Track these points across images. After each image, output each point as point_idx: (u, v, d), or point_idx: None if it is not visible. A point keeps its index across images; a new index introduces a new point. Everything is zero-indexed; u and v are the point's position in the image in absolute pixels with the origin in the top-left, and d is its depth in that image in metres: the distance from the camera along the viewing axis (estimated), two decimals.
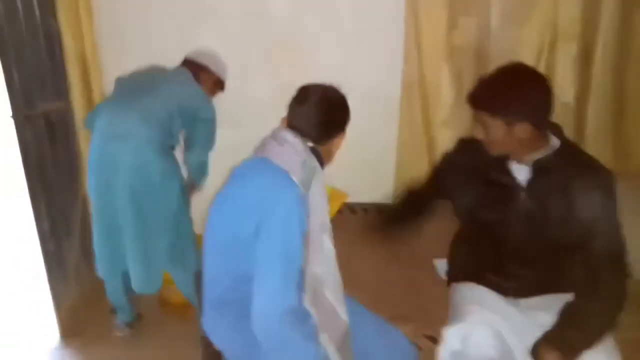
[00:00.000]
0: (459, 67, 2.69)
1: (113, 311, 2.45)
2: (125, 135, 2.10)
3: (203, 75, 2.38)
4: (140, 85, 2.23)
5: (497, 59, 2.66)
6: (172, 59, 2.70)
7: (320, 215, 1.42)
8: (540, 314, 1.53)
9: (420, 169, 2.83)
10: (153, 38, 2.71)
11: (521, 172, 1.46)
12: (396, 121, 2.79)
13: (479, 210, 1.52)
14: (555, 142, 1.44)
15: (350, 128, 2.75)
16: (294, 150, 1.40)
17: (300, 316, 1.33)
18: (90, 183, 2.18)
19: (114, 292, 2.38)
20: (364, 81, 2.69)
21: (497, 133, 1.38)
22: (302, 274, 1.35)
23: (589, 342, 1.39)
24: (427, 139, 2.81)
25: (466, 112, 2.75)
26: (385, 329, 1.59)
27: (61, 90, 2.52)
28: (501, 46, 2.65)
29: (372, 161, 2.86)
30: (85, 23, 2.57)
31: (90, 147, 2.18)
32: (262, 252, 1.32)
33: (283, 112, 2.89)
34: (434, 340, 1.85)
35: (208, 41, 2.68)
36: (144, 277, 2.24)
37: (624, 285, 1.41)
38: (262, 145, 1.47)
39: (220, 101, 2.76)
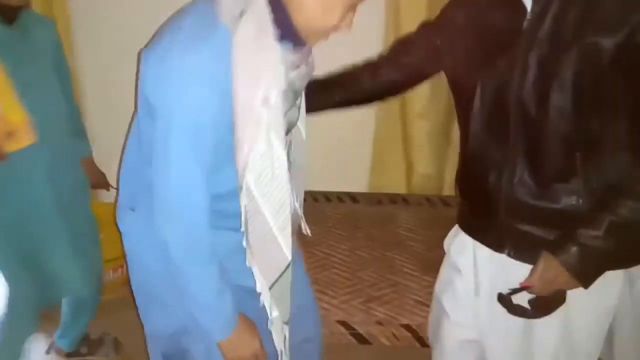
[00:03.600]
0: None
1: None
2: None
3: None
4: None
5: None
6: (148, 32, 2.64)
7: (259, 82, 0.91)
8: None
9: (395, 160, 2.87)
10: (127, 16, 2.66)
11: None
12: (374, 112, 2.80)
13: (476, 62, 1.12)
14: None
15: (328, 117, 2.79)
16: None
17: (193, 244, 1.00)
18: None
19: None
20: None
21: None
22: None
23: (612, 260, 1.05)
24: (402, 130, 2.83)
25: (442, 104, 2.83)
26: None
27: None
28: None
29: (348, 151, 2.87)
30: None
31: None
32: (155, 150, 0.96)
33: None
34: (411, 329, 1.88)
35: None
36: None
37: None
38: None
39: None
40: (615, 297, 1.15)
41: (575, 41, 0.98)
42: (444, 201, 2.76)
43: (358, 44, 2.59)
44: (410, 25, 2.53)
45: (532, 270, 1.08)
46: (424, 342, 1.79)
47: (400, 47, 1.35)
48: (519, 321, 1.13)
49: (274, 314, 1.10)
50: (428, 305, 1.50)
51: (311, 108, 1.24)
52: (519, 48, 1.04)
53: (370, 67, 1.36)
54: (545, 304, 1.08)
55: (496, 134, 1.11)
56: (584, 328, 1.16)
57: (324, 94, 1.34)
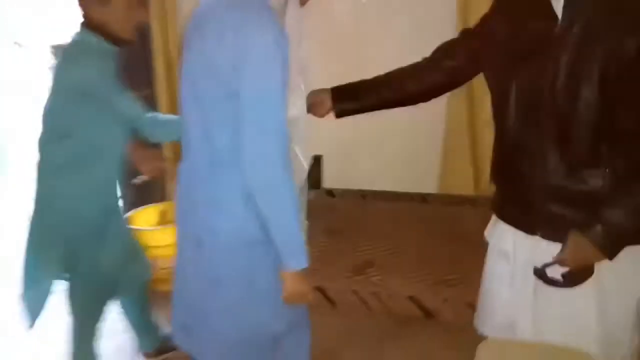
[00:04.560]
0: None
1: None
2: None
3: None
4: None
5: None
6: None
7: (297, 50, 1.31)
8: None
9: (463, 165, 3.05)
10: None
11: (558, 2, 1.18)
12: (443, 118, 3.01)
13: (512, 63, 1.26)
14: None
15: (399, 126, 3.04)
16: None
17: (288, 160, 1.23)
18: None
19: None
20: None
21: None
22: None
23: (630, 237, 1.18)
24: (470, 136, 3.00)
25: None
26: None
27: (149, 79, 2.87)
28: None
29: (418, 155, 3.10)
30: (170, 16, 2.90)
31: None
32: (247, 115, 1.17)
33: None
34: (473, 307, 2.06)
35: None
36: None
37: None
38: None
39: None
40: None
41: (602, 43, 1.12)
42: None
43: (432, 38, 2.79)
44: None
45: (563, 247, 1.21)
46: None
47: (443, 52, 1.49)
48: (555, 299, 1.28)
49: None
50: None
51: (363, 106, 1.49)
52: (552, 51, 1.18)
53: (415, 71, 1.51)
54: (575, 275, 1.22)
55: (531, 127, 1.24)
56: (617, 301, 1.28)
57: (374, 93, 1.52)
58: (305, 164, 1.39)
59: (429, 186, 3.14)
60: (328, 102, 1.50)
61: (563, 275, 1.23)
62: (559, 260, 1.22)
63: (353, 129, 3.02)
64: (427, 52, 2.44)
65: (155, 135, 1.73)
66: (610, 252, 1.17)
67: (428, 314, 2.13)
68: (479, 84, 2.82)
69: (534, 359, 1.31)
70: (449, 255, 2.46)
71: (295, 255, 1.25)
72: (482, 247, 2.42)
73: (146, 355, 2.14)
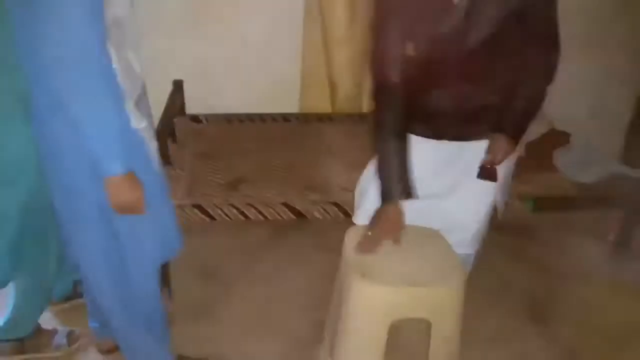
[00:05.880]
0: None
1: None
2: None
3: None
4: None
5: None
6: None
7: None
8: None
9: (321, 81, 3.25)
10: None
11: None
12: (300, 41, 3.14)
13: (426, 41, 1.51)
14: None
15: (258, 47, 3.12)
16: None
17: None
18: None
19: None
20: (270, 4, 3.05)
21: None
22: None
23: (530, 121, 1.62)
24: (326, 54, 3.19)
25: (359, 30, 3.19)
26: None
27: None
28: None
29: (279, 74, 3.22)
30: None
31: None
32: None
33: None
34: (338, 205, 2.35)
35: None
36: None
37: (558, 59, 1.56)
38: None
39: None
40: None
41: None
42: (363, 117, 3.16)
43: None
44: None
45: (490, 147, 1.60)
46: (348, 215, 2.21)
47: (389, 61, 1.55)
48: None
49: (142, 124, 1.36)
50: (351, 190, 1.84)
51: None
52: (456, 13, 1.44)
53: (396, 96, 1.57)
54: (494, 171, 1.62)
55: (445, 67, 1.52)
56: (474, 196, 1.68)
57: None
58: (139, 69, 1.34)
59: (291, 107, 3.31)
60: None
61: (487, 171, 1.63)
62: (491, 159, 1.60)
63: (212, 53, 3.05)
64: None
65: None
66: (518, 137, 1.61)
67: (300, 215, 2.35)
68: (329, 4, 3.05)
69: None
70: (313, 165, 2.68)
71: (114, 159, 1.25)
72: (339, 156, 2.71)
73: (52, 304, 1.97)
